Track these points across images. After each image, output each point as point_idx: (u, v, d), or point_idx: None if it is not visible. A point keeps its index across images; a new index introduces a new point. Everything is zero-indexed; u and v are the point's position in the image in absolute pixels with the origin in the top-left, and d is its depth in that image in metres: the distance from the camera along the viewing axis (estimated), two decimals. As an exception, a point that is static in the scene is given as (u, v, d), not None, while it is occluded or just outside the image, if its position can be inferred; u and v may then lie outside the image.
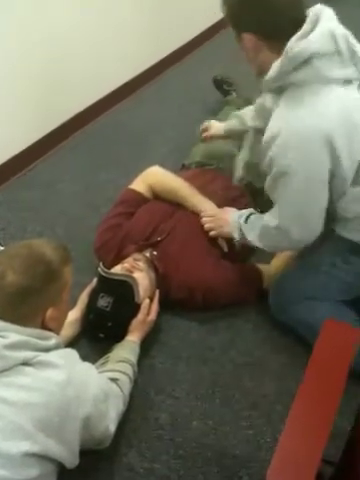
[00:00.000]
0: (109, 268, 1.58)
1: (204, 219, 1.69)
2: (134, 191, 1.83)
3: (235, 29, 1.31)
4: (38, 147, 2.39)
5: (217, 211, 1.69)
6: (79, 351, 1.15)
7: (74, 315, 1.54)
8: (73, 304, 1.54)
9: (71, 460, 1.07)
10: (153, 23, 3.01)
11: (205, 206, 1.72)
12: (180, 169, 2.09)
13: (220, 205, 1.72)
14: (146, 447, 1.30)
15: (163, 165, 1.89)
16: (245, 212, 1.57)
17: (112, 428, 1.19)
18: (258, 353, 1.54)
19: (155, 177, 1.85)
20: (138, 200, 1.81)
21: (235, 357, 1.52)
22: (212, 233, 1.66)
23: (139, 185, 1.84)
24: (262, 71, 1.30)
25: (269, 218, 1.43)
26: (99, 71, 2.66)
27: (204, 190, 1.77)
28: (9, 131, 2.24)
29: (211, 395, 1.42)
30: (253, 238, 1.50)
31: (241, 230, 1.54)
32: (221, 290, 1.61)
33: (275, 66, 1.24)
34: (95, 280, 1.57)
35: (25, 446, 0.96)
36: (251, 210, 1.58)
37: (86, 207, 2.10)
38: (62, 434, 1.02)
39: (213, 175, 1.93)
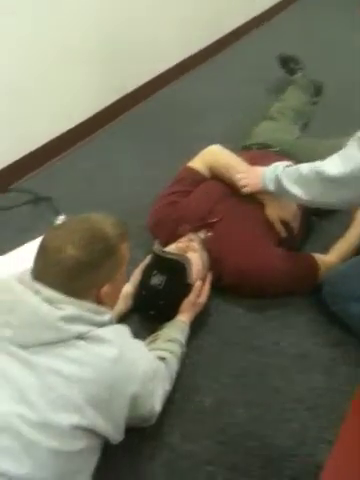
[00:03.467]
0: (163, 246, 1.57)
1: (237, 176, 1.64)
2: (192, 169, 1.80)
3: None
4: (98, 119, 2.40)
5: (250, 167, 1.64)
6: (129, 326, 1.15)
7: (127, 290, 1.54)
8: (127, 279, 1.54)
9: (116, 436, 1.09)
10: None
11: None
12: (240, 150, 2.04)
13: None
14: (189, 429, 1.30)
15: (221, 144, 1.82)
16: (280, 163, 1.53)
17: (158, 407, 1.20)
18: (308, 345, 1.50)
19: (214, 156, 1.80)
20: (196, 179, 1.78)
21: (284, 347, 1.49)
22: (246, 189, 1.62)
23: (197, 163, 1.81)
24: None
25: (330, 166, 1.33)
26: (157, 47, 2.62)
27: None
28: (72, 102, 2.24)
29: (257, 384, 1.40)
30: (296, 190, 1.44)
31: (279, 181, 1.48)
32: (275, 278, 1.56)
33: None
34: (149, 257, 1.56)
35: (75, 419, 0.97)
36: (287, 162, 1.54)
37: (143, 183, 2.09)
38: (110, 410, 1.03)
39: (275, 158, 1.87)
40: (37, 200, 2.02)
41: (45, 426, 0.95)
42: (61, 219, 1.92)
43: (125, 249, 1.13)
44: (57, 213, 1.94)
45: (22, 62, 1.96)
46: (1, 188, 2.04)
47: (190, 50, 2.88)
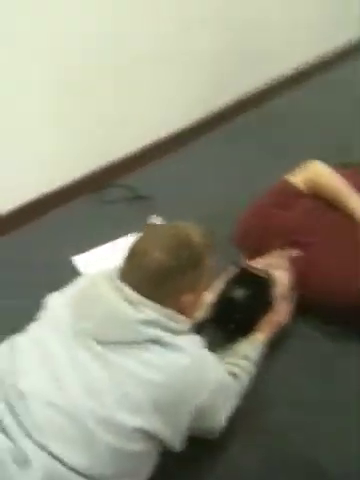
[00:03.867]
0: (247, 258, 1.55)
1: (353, 205, 1.55)
2: (290, 183, 1.74)
3: None
4: (205, 123, 2.42)
5: None
6: (204, 336, 1.14)
7: (207, 299, 1.54)
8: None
9: (176, 444, 1.09)
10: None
11: None
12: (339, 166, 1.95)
13: None
14: (250, 446, 1.28)
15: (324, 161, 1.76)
16: None
17: (224, 421, 1.19)
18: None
19: (318, 175, 1.73)
20: (293, 193, 1.71)
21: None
22: None
23: (298, 178, 1.75)
24: None
25: None
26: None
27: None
28: (184, 102, 2.28)
29: (322, 410, 1.35)
30: None
31: None
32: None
33: None
34: (232, 268, 1.55)
35: (138, 422, 0.99)
36: None
37: (239, 192, 2.07)
38: (174, 417, 1.04)
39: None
40: (135, 198, 2.08)
41: (108, 422, 0.98)
42: (154, 219, 1.97)
43: (210, 259, 1.13)
44: (151, 213, 1.99)
45: (150, 57, 2.02)
46: (104, 183, 2.14)
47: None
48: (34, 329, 1.15)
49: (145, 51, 2.02)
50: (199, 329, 1.48)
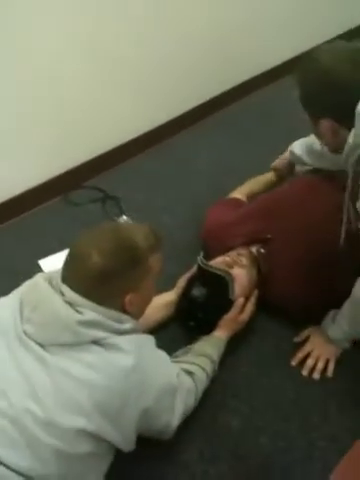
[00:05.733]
0: (214, 253, 1.54)
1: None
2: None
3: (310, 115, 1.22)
4: (180, 120, 2.40)
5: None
6: (167, 334, 1.12)
7: (169, 297, 1.53)
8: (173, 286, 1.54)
9: (126, 445, 1.08)
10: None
11: None
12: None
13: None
14: (208, 449, 1.26)
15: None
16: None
17: (175, 423, 1.17)
18: (353, 383, 1.39)
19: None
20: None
21: (327, 381, 1.40)
22: None
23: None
24: (338, 148, 1.17)
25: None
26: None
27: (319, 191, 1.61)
28: (156, 102, 2.27)
29: (290, 414, 1.33)
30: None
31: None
32: (322, 314, 1.47)
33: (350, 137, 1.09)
34: (196, 266, 1.54)
35: (80, 423, 0.98)
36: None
37: (213, 189, 2.05)
38: (119, 419, 1.03)
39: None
40: (105, 199, 2.07)
41: (50, 425, 0.97)
42: (123, 219, 1.96)
43: (154, 260, 1.12)
44: (121, 213, 1.98)
45: (113, 61, 2.01)
46: (74, 185, 2.13)
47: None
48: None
49: (120, 53, 2.01)
50: (164, 328, 1.48)
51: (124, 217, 1.98)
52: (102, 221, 1.94)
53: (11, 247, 1.89)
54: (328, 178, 1.65)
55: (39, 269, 1.78)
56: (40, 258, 1.82)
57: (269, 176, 1.95)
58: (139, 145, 2.30)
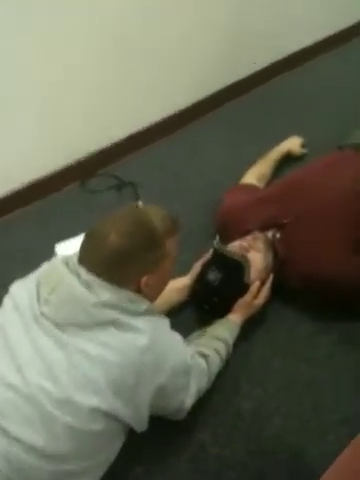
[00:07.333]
0: (229, 237, 1.55)
1: None
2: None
3: None
4: (196, 108, 2.40)
5: None
6: (181, 318, 1.13)
7: (185, 281, 1.55)
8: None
9: (139, 424, 1.10)
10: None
11: None
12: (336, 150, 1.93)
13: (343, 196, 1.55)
14: (221, 431, 1.28)
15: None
16: None
17: (189, 403, 1.19)
18: (366, 365, 1.40)
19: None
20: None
21: (340, 363, 1.40)
22: None
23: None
24: None
25: None
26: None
27: (334, 174, 1.61)
28: (172, 89, 2.28)
29: (303, 397, 1.34)
30: None
31: None
32: (346, 287, 1.46)
33: None
34: (211, 251, 1.55)
35: (94, 401, 1.00)
36: None
37: (230, 178, 2.05)
38: (132, 398, 1.05)
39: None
40: (121, 185, 2.09)
41: (65, 403, 1.00)
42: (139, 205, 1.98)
43: (171, 243, 1.12)
44: (137, 200, 2.00)
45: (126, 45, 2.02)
46: (89, 173, 2.15)
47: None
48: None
49: (132, 39, 2.01)
50: (178, 311, 1.50)
51: (140, 203, 1.99)
52: (118, 208, 1.95)
53: (30, 233, 1.92)
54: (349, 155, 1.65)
55: (55, 254, 1.81)
56: (56, 243, 1.85)
57: (274, 156, 2.01)
58: (155, 133, 2.30)
